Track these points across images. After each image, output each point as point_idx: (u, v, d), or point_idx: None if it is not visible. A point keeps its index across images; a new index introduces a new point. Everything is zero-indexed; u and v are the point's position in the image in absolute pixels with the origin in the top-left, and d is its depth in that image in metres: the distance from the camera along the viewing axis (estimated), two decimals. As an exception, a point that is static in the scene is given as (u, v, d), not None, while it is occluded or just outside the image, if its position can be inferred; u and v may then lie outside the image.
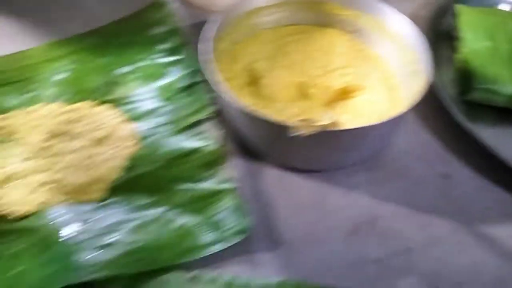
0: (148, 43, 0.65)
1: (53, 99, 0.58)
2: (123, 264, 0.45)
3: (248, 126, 0.52)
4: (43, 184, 0.50)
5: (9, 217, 0.48)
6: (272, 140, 0.52)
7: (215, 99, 0.57)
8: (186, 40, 0.64)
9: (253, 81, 0.57)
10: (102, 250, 0.46)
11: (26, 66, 0.61)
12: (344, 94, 0.58)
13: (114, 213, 0.49)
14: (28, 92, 0.59)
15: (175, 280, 0.45)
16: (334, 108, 0.57)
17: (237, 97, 0.50)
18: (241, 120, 0.52)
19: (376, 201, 0.53)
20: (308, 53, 0.61)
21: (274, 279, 0.46)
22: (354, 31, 0.63)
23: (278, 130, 0.48)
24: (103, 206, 0.50)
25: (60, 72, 0.61)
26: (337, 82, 0.58)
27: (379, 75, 0.59)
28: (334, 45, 0.62)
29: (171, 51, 0.64)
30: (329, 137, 0.49)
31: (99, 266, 0.44)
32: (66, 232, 0.47)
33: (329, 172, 0.55)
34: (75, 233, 0.47)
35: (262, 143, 0.54)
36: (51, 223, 0.48)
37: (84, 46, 0.65)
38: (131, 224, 0.48)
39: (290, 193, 0.53)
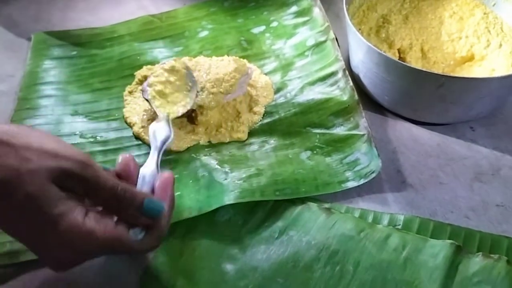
0: (279, 6, 0.71)
1: (197, 53, 0.66)
2: (267, 192, 0.51)
3: (383, 74, 0.56)
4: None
5: (168, 150, 0.56)
6: (406, 88, 0.56)
7: (341, 55, 0.62)
8: (313, 3, 0.70)
9: (386, 39, 0.62)
10: (248, 180, 0.52)
11: (174, 24, 0.70)
12: (465, 61, 0.62)
13: (255, 151, 0.56)
14: (178, 46, 0.67)
15: (312, 210, 0.51)
16: (453, 72, 0.60)
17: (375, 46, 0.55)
18: (375, 69, 0.57)
19: (498, 152, 0.56)
20: (441, 17, 0.64)
21: (401, 215, 0.50)
22: (493, 3, 0.65)
23: (415, 78, 0.53)
24: (245, 145, 0.57)
25: (202, 30, 0.69)
26: (461, 49, 0.61)
27: (507, 48, 0.61)
28: (469, 13, 0.65)
29: (300, 13, 0.70)
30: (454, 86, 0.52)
31: (247, 192, 0.51)
32: (214, 164, 0.54)
33: (452, 125, 0.59)
34: (222, 165, 0.54)
35: (391, 94, 0.58)
36: (201, 157, 0.55)
37: (221, 9, 0.72)
38: (271, 161, 0.55)
39: (415, 142, 0.57)
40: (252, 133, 0.58)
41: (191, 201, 0.51)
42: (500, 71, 0.58)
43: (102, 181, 0.38)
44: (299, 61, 0.64)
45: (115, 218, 0.40)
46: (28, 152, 0.35)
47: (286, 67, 0.64)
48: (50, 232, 0.36)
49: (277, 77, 0.63)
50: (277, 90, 0.62)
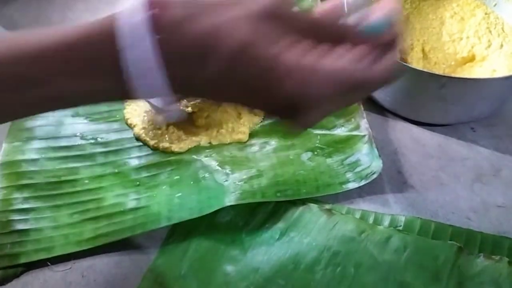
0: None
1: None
2: (267, 193, 0.51)
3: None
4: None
5: (168, 151, 0.56)
6: (407, 89, 0.56)
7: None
8: (313, 4, 0.70)
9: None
10: (248, 181, 0.52)
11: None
12: (466, 61, 0.61)
13: (256, 152, 0.56)
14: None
15: (313, 211, 0.50)
16: (455, 73, 0.60)
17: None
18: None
19: (499, 153, 0.56)
20: (442, 18, 0.64)
21: (402, 216, 0.50)
22: (494, 4, 0.65)
23: (416, 79, 0.52)
24: (246, 146, 0.57)
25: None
26: (462, 50, 0.61)
27: (508, 49, 0.61)
28: (470, 14, 0.65)
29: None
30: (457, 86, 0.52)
31: (248, 194, 0.51)
32: (215, 165, 0.54)
33: (453, 126, 0.59)
34: (223, 166, 0.54)
35: (392, 95, 0.58)
36: (202, 158, 0.55)
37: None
38: (272, 162, 0.54)
39: (416, 142, 0.57)
40: (252, 134, 0.58)
41: (192, 203, 0.51)
42: (501, 72, 0.58)
43: (303, 14, 0.32)
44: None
45: None
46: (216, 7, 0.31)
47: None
48: (275, 77, 0.31)
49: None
50: (278, 92, 0.62)
